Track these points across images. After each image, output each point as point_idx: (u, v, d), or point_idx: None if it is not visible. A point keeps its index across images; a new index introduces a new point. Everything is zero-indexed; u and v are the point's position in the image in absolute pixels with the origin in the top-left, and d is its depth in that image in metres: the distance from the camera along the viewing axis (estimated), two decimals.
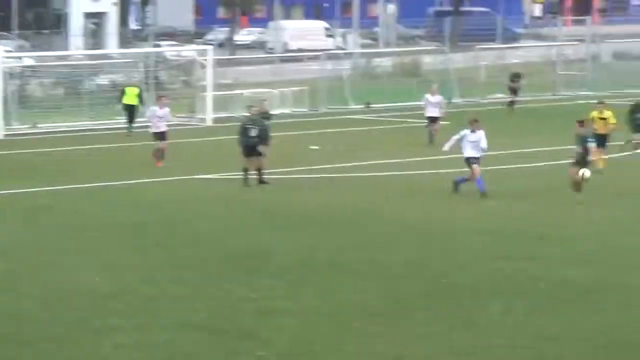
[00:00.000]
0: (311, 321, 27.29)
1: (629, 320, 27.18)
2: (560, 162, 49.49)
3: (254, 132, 47.39)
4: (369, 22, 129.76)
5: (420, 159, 54.69)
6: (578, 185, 41.97)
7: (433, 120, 57.31)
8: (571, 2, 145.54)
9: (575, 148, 43.59)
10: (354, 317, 27.65)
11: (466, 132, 45.53)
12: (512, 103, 74.38)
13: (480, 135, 45.58)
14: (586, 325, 26.53)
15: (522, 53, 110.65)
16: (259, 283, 31.96)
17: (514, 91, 76.92)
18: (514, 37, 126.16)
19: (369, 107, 78.89)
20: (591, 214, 41.53)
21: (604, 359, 24.12)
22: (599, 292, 30.46)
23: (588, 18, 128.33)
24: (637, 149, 54.11)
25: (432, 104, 58.11)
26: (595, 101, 56.12)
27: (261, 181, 47.81)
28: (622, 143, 55.03)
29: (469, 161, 45.04)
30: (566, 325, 26.73)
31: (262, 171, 47.70)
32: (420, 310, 28.51)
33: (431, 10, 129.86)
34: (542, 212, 42.61)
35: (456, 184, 45.63)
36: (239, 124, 51.26)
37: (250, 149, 47.44)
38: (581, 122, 43.30)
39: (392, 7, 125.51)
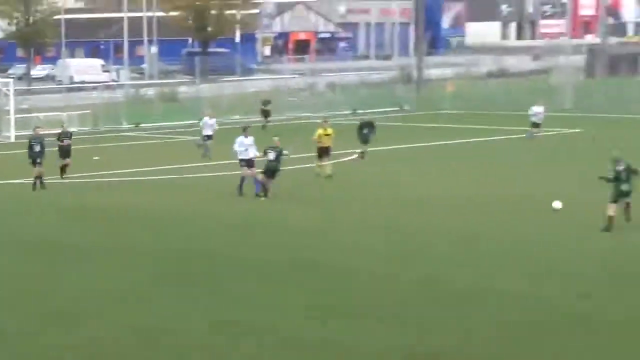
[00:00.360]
0: None
1: None
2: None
3: (37, 148, 47.77)
4: (136, 60, 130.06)
5: (188, 165, 54.94)
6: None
7: (209, 137, 57.58)
8: (293, 44, 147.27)
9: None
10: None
11: (241, 137, 45.49)
12: (264, 125, 73.17)
13: (252, 140, 45.73)
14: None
15: (256, 84, 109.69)
16: None
17: (265, 113, 76.93)
18: (250, 72, 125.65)
19: (137, 126, 79.09)
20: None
21: None
22: None
23: (307, 57, 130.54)
24: (363, 157, 56.13)
25: (209, 125, 58.28)
26: (319, 120, 56.80)
27: (42, 186, 48.08)
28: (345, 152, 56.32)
29: (242, 163, 44.98)
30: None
31: (43, 178, 48.03)
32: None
33: (184, 51, 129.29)
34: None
35: (240, 188, 44.61)
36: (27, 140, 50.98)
37: (34, 160, 47.89)
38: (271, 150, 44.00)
39: (154, 49, 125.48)
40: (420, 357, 22.72)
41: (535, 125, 67.66)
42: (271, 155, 43.53)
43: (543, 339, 23.71)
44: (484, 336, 23.94)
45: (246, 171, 44.88)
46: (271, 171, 43.27)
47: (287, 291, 28.80)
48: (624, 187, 36.49)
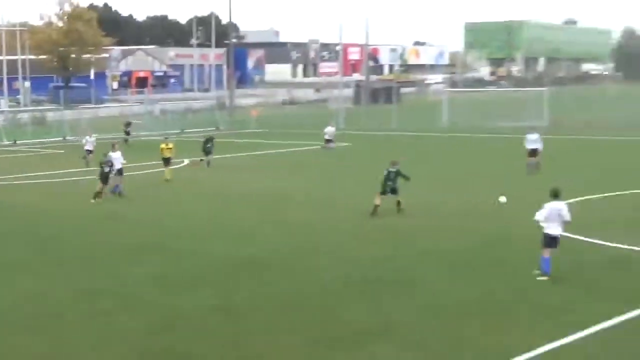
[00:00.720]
0: None
1: None
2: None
3: None
4: (13, 92, 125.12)
5: (60, 171, 53.74)
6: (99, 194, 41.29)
7: (90, 152, 56.04)
8: (135, 80, 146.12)
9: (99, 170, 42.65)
10: None
11: (110, 153, 43.66)
12: (126, 140, 71.40)
13: (119, 154, 44.04)
14: None
15: (107, 110, 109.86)
16: None
17: (127, 133, 74.93)
18: (102, 101, 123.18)
19: (15, 143, 76.46)
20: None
21: None
22: None
23: (145, 90, 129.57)
24: (205, 163, 55.61)
25: (90, 142, 57.36)
26: (161, 138, 55.73)
27: None
28: (189, 161, 56.98)
29: (116, 173, 43.21)
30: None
31: None
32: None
33: (51, 85, 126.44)
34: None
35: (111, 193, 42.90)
36: None
37: None
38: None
39: (27, 83, 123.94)
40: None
41: (328, 141, 67.07)
42: (106, 168, 42.09)
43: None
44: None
45: (115, 178, 43.24)
46: (105, 177, 41.78)
47: (137, 266, 28.24)
48: (389, 184, 36.32)
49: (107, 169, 42.06)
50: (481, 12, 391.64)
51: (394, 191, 35.80)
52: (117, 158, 44.04)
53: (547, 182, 30.74)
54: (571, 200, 31.87)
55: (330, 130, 68.15)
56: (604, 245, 29.32)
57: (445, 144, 68.91)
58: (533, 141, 49.64)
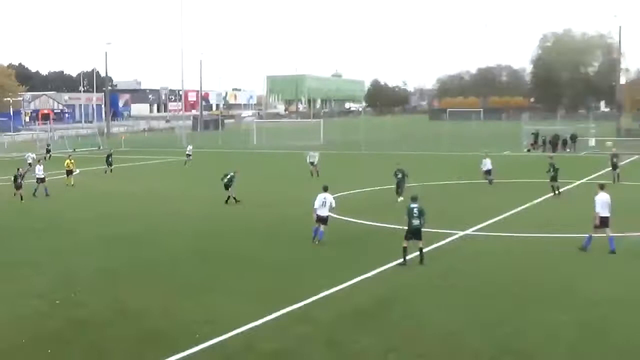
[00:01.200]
0: None
1: None
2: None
3: None
4: None
5: None
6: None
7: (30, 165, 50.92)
8: (41, 115, 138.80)
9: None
10: None
11: (37, 166, 42.46)
12: (49, 156, 67.07)
13: (42, 167, 42.63)
14: None
15: (23, 136, 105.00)
16: None
17: (48, 151, 69.69)
18: (18, 130, 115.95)
19: None
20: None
21: None
22: None
23: (48, 122, 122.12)
24: (111, 172, 53.75)
25: (31, 157, 54.66)
26: (64, 155, 54.50)
27: None
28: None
29: (39, 181, 41.40)
30: None
31: None
32: None
33: None
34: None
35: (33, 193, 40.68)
36: None
37: None
38: None
39: None
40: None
41: (188, 155, 62.52)
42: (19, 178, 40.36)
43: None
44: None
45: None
46: (18, 186, 39.83)
47: (43, 240, 27.78)
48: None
49: (19, 179, 40.32)
50: (278, 67, 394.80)
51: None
52: (40, 169, 42.53)
53: (322, 181, 31.27)
54: (338, 194, 32.71)
55: (189, 147, 65.07)
56: (358, 222, 29.87)
57: (255, 158, 69.11)
58: (312, 156, 50.07)
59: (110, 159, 55.54)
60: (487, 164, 43.08)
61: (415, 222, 21.77)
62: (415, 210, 21.89)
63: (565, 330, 15.94)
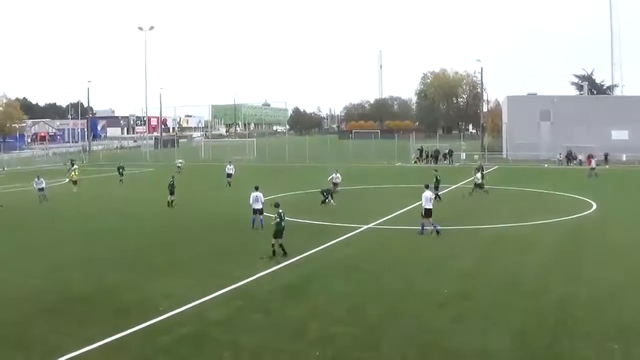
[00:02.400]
0: None
1: None
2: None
3: None
4: None
5: None
6: None
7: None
8: (40, 137, 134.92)
9: None
10: None
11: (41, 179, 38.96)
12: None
13: (43, 179, 39.24)
14: None
15: (26, 153, 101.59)
16: None
17: (72, 164, 60.87)
18: (22, 149, 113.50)
19: None
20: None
21: None
22: None
23: (45, 142, 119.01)
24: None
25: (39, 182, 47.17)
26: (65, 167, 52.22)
27: None
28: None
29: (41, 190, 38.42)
30: None
31: None
32: None
33: None
34: None
35: None
36: None
37: None
38: None
39: None
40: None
41: (178, 167, 58.47)
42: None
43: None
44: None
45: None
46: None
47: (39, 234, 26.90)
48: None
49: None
50: (221, 96, 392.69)
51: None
52: (42, 182, 39.26)
53: (254, 184, 31.13)
54: (272, 196, 32.49)
55: (180, 161, 60.99)
56: (287, 219, 30.29)
57: (206, 169, 67.65)
58: (230, 169, 47.91)
59: (121, 170, 51.46)
60: (335, 177, 39.72)
61: (283, 223, 21.19)
62: (283, 215, 21.36)
63: (437, 294, 16.64)
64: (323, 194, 34.43)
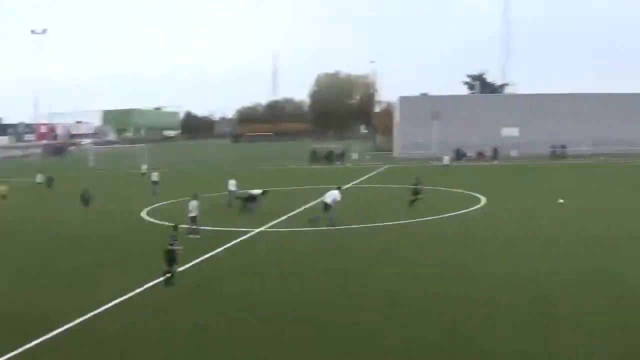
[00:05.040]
0: None
1: None
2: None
3: None
4: None
5: None
6: None
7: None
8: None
9: None
10: None
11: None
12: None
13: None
14: None
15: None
16: None
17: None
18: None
19: None
20: None
21: None
22: None
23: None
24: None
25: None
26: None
27: None
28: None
29: None
30: None
31: None
32: None
33: None
34: None
35: None
36: None
37: None
38: None
39: None
40: None
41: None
42: None
43: None
44: None
45: None
46: None
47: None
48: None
49: None
50: (113, 103, 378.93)
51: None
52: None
53: (177, 187, 30.40)
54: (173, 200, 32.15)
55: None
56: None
57: (96, 178, 64.28)
58: (148, 170, 47.06)
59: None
60: (231, 184, 37.13)
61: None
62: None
63: (331, 278, 17.35)
64: (242, 200, 33.14)
